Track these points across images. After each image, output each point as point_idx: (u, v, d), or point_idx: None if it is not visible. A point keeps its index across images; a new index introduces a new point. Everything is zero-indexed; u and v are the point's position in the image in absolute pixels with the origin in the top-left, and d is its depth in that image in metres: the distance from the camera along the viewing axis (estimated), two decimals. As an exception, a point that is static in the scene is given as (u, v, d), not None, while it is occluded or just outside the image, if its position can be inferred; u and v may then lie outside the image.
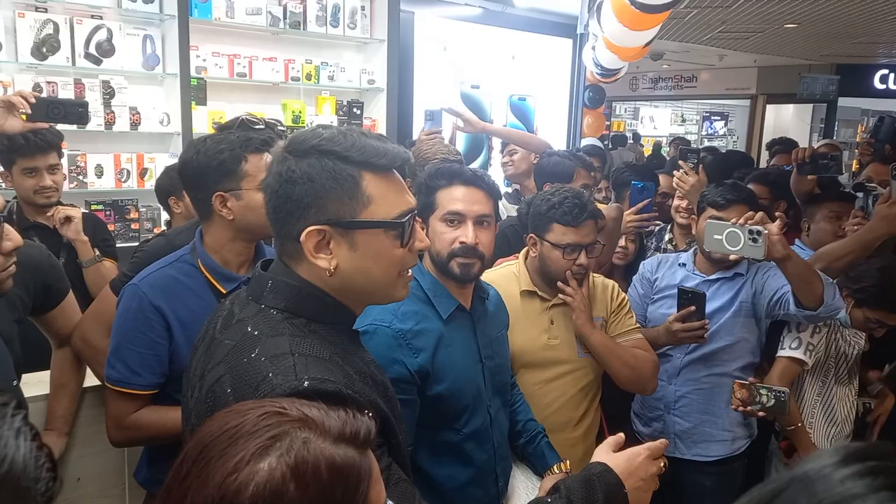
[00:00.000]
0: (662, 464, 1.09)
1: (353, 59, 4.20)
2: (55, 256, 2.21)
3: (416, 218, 1.08)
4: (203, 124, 3.52)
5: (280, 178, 0.96)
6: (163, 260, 1.61)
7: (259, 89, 3.89)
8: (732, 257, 2.01)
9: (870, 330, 2.20)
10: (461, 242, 1.53)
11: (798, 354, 2.16)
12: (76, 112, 2.04)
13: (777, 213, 1.96)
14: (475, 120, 2.99)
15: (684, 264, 2.30)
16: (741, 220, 1.89)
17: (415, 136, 4.10)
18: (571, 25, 5.23)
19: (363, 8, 4.06)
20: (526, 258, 1.99)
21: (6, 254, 1.20)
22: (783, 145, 4.21)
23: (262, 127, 1.79)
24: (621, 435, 1.15)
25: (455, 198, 1.56)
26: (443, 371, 1.49)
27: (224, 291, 1.57)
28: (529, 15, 4.95)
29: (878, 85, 9.67)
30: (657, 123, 12.96)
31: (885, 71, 9.59)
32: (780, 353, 2.19)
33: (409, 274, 1.06)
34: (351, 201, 0.96)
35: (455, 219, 1.56)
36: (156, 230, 3.40)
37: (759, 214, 1.90)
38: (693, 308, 2.05)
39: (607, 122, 8.95)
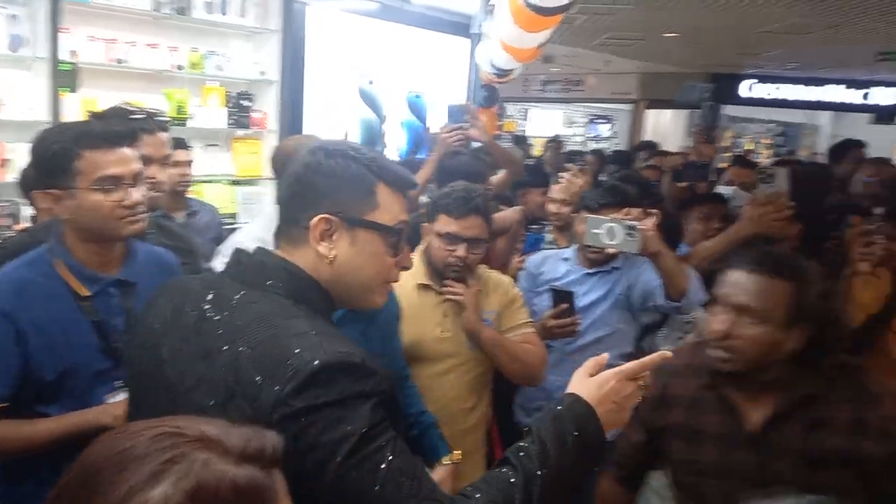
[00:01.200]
0: (642, 381, 1.10)
1: (243, 49, 4.04)
2: None
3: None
4: (75, 112, 3.25)
5: (307, 168, 1.07)
6: (17, 260, 1.46)
7: (139, 77, 3.66)
8: (610, 251, 2.13)
9: None
10: None
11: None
12: None
13: (651, 211, 2.08)
14: (485, 129, 2.93)
15: (567, 259, 2.40)
16: (619, 216, 1.99)
17: (305, 131, 4.01)
18: (467, 25, 5.28)
19: (254, -4, 3.91)
20: (422, 253, 1.99)
21: None
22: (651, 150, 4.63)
23: (141, 116, 1.67)
24: (605, 355, 1.15)
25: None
26: None
27: (86, 293, 1.45)
28: (426, 12, 4.95)
29: (744, 93, 10.46)
30: (546, 125, 13.38)
31: (753, 80, 10.39)
32: None
33: (390, 285, 1.14)
34: (362, 202, 1.07)
35: None
36: (16, 227, 3.10)
37: (637, 211, 2.02)
38: (565, 305, 2.14)
39: (500, 122, 9.14)
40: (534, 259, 2.50)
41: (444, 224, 1.87)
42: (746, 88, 10.45)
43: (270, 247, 1.11)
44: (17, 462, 1.46)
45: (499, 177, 3.11)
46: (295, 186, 1.08)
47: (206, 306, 1.03)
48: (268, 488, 0.60)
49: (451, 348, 1.93)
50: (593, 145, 12.34)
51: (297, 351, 0.91)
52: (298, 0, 4.10)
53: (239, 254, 1.09)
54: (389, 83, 4.72)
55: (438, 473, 1.70)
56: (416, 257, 1.99)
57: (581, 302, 2.25)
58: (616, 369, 1.11)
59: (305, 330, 0.95)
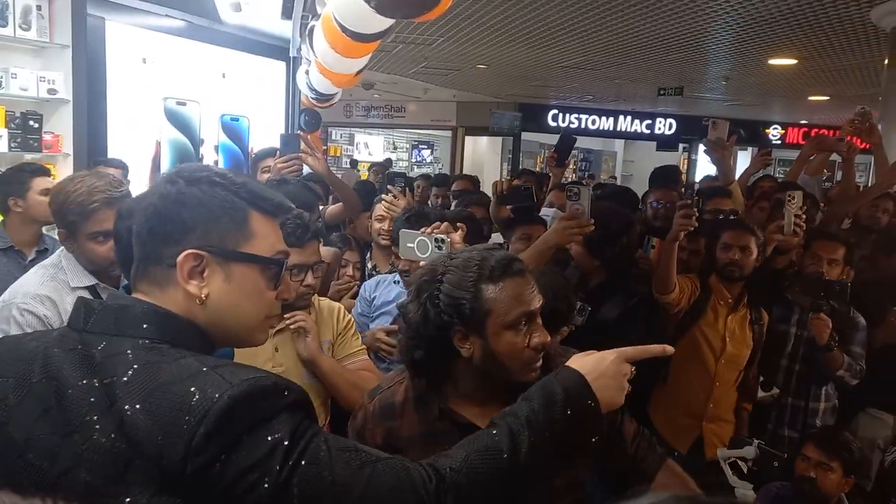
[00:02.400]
0: (632, 369, 1.08)
1: (29, 64, 3.62)
2: None
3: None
4: None
5: (167, 200, 0.95)
6: None
7: None
8: (422, 264, 2.19)
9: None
10: None
11: None
12: None
13: (458, 225, 2.22)
14: (322, 160, 2.90)
15: (398, 282, 2.44)
16: (429, 230, 2.07)
17: (110, 154, 3.69)
18: (284, 48, 5.19)
19: (39, 8, 3.53)
20: None
21: None
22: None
23: None
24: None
25: None
26: None
27: None
28: (239, 34, 4.79)
29: (551, 122, 11.36)
30: (372, 150, 13.51)
31: (556, 111, 11.32)
32: None
33: (273, 323, 1.06)
34: (236, 232, 0.96)
35: None
36: None
37: (444, 225, 2.11)
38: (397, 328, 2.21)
39: (324, 147, 9.07)
40: (368, 284, 2.53)
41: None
42: (551, 118, 11.36)
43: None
44: None
45: (333, 208, 3.08)
46: (153, 221, 0.95)
47: (65, 371, 0.87)
48: None
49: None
50: (417, 170, 12.66)
51: (197, 394, 0.82)
52: (93, 14, 3.78)
53: (85, 304, 0.95)
54: (204, 105, 4.49)
55: None
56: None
57: None
58: (617, 350, 1.09)
59: (198, 369, 0.86)
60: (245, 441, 0.82)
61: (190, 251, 0.93)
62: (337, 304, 2.09)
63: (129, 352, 0.88)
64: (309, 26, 3.71)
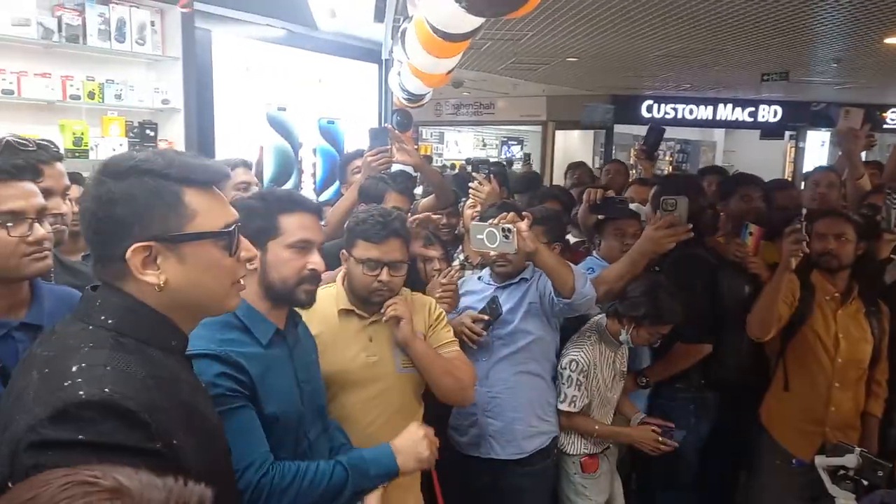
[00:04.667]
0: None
1: (145, 78, 3.89)
2: None
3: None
4: (-41, 147, 3.03)
5: (99, 201, 0.96)
6: None
7: (31, 108, 3.46)
8: (492, 254, 2.25)
9: (651, 343, 2.49)
10: (311, 269, 1.51)
11: (563, 407, 2.42)
12: None
13: (524, 214, 2.22)
14: (414, 152, 2.93)
15: (481, 278, 2.48)
16: (496, 220, 2.08)
17: (218, 157, 3.89)
18: (377, 51, 5.31)
19: (153, 23, 3.78)
20: (344, 279, 1.97)
21: None
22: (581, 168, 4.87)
23: (32, 149, 1.58)
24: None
25: (304, 225, 1.52)
26: (266, 395, 1.44)
27: None
28: (334, 39, 4.95)
29: (645, 113, 11.01)
30: (461, 147, 13.59)
31: (651, 101, 10.96)
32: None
33: (242, 284, 1.06)
34: (175, 216, 0.97)
35: (305, 246, 1.52)
36: None
37: (511, 215, 2.13)
38: (487, 318, 2.28)
39: (416, 146, 9.20)
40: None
41: (364, 250, 1.86)
42: (645, 109, 11.00)
43: None
44: None
45: (427, 200, 3.12)
46: (94, 224, 0.97)
47: (39, 343, 0.99)
48: None
49: (380, 373, 1.91)
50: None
51: (75, 381, 0.86)
52: (201, 27, 4.01)
53: (85, 291, 1.02)
54: (302, 110, 4.67)
55: (372, 498, 1.68)
56: (337, 283, 1.97)
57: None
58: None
59: (99, 362, 0.89)
60: (75, 453, 0.80)
61: (136, 245, 0.95)
62: (429, 298, 2.12)
63: (72, 333, 0.95)
64: (401, 28, 3.78)
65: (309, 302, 1.55)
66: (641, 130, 12.17)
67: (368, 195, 2.55)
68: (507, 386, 2.34)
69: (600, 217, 2.95)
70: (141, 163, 0.97)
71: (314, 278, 1.54)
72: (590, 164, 11.99)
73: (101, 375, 0.87)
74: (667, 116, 11.06)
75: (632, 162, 8.39)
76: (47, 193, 1.57)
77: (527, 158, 7.29)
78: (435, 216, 2.54)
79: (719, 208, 3.24)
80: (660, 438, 2.45)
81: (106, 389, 0.85)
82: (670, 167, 13.35)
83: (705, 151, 15.27)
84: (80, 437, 0.81)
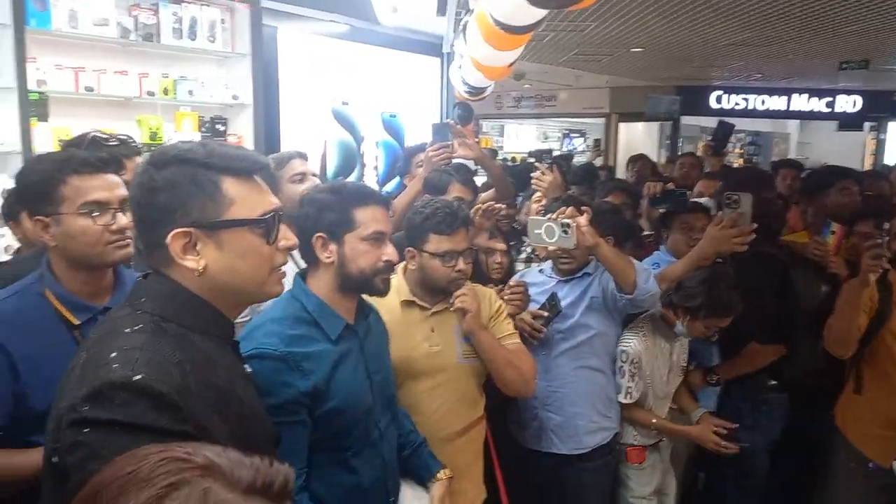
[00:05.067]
0: None
1: (215, 74, 4.03)
2: None
3: (321, 235, 1.24)
4: (47, 142, 3.21)
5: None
6: (6, 290, 1.45)
7: (110, 104, 3.62)
8: (551, 248, 2.24)
9: (707, 336, 2.41)
10: (386, 260, 1.56)
11: (621, 398, 2.39)
12: None
13: (583, 208, 2.20)
14: (476, 146, 2.95)
15: (542, 270, 2.46)
16: (554, 216, 2.07)
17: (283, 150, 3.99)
18: (438, 44, 5.33)
19: (223, 21, 3.90)
20: (405, 271, 1.99)
21: None
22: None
23: (114, 143, 1.67)
24: None
25: (377, 218, 1.56)
26: (334, 390, 1.47)
27: (76, 322, 1.43)
28: (396, 33, 4.99)
29: (713, 104, 10.67)
30: (522, 140, 13.50)
31: (720, 92, 10.61)
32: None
33: (282, 272, 1.09)
34: (213, 203, 1.00)
35: (379, 238, 1.56)
36: (-8, 260, 3.05)
37: (570, 209, 2.11)
38: (546, 314, 2.27)
39: (476, 139, 9.19)
40: (515, 278, 2.56)
41: (438, 243, 1.89)
42: (714, 100, 10.66)
43: None
44: (11, 494, 1.44)
45: (487, 194, 3.12)
46: (138, 211, 1.03)
47: (96, 326, 1.05)
48: None
49: (442, 362, 1.94)
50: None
51: (111, 363, 0.89)
52: (268, 24, 4.11)
53: (137, 279, 1.07)
54: (364, 104, 4.74)
55: (437, 489, 1.71)
56: (398, 275, 2.00)
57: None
58: None
59: (136, 346, 0.92)
60: (111, 434, 0.84)
61: (176, 231, 0.99)
62: (489, 290, 2.14)
63: (120, 317, 0.99)
64: (463, 22, 3.78)
65: (385, 290, 1.60)
66: (709, 122, 11.81)
67: (433, 186, 2.59)
68: (567, 380, 2.33)
69: (665, 211, 2.88)
70: (183, 152, 1.01)
71: (389, 268, 1.59)
72: (655, 157, 11.73)
73: (135, 358, 0.90)
74: (737, 107, 10.69)
75: (698, 154, 8.15)
76: (129, 186, 1.65)
77: (597, 144, 6.98)
78: (497, 205, 2.54)
79: (798, 203, 3.12)
80: (721, 442, 2.38)
81: (140, 372, 0.88)
82: (741, 160, 12.90)
83: (778, 144, 14.67)
84: (114, 417, 0.85)
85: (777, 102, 10.77)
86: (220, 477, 0.58)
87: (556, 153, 12.62)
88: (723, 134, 4.34)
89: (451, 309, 1.93)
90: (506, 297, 2.23)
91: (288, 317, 1.49)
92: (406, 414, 1.84)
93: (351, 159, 4.57)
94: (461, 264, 1.91)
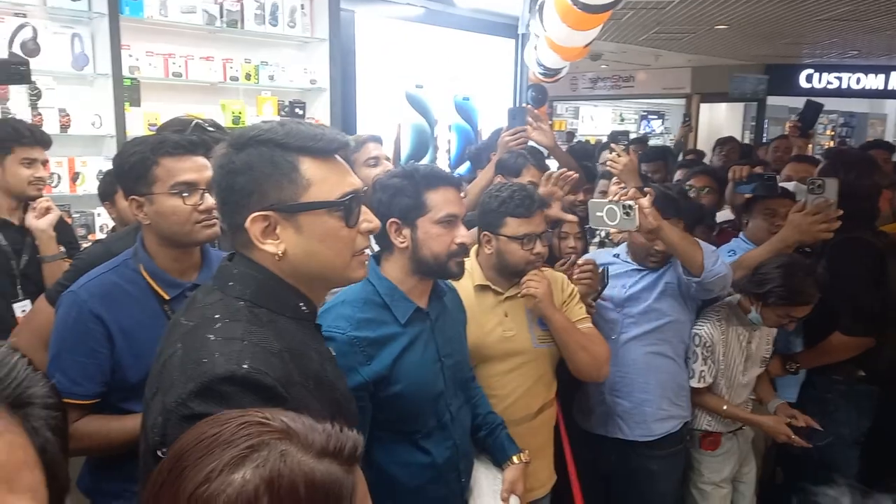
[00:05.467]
0: None
1: (294, 59, 4.13)
2: (18, 254, 2.26)
3: (395, 220, 1.24)
4: (138, 126, 3.39)
5: (223, 171, 0.99)
6: (103, 266, 1.54)
7: (196, 89, 3.78)
8: (612, 231, 2.15)
9: (782, 325, 2.31)
10: (459, 243, 1.56)
11: (693, 383, 2.33)
12: (18, 72, 1.98)
13: (646, 190, 2.13)
14: (549, 133, 2.97)
15: (617, 255, 2.41)
16: (616, 197, 2.03)
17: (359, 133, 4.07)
18: (513, 26, 5.27)
19: (303, 7, 3.99)
20: (478, 255, 2.00)
21: None
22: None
23: (212, 130, 1.75)
24: None
25: (449, 200, 1.56)
26: (400, 374, 1.49)
27: (167, 297, 1.51)
28: (471, 15, 4.97)
29: (804, 84, 10.11)
30: (597, 122, 13.21)
31: (811, 70, 10.04)
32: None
33: (365, 254, 1.07)
34: (291, 185, 0.97)
35: (452, 220, 1.56)
36: (90, 237, 3.25)
37: (632, 190, 2.07)
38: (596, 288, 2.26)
39: (550, 122, 9.07)
40: (586, 258, 2.51)
41: (517, 226, 1.89)
42: (804, 79, 10.09)
43: None
44: (104, 457, 1.54)
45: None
46: (218, 193, 1.01)
47: (184, 310, 1.06)
48: (344, 485, 0.62)
49: (516, 347, 1.94)
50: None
51: (215, 356, 0.90)
52: (346, 8, 4.17)
53: (222, 261, 1.07)
54: (438, 87, 4.75)
55: (511, 472, 1.72)
56: (471, 259, 2.00)
57: (628, 292, 2.29)
58: None
59: (237, 336, 0.92)
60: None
61: (255, 214, 0.97)
62: (560, 274, 2.12)
63: (210, 304, 1.00)
64: (539, 2, 3.73)
65: (460, 273, 1.60)
66: (798, 102, 11.21)
67: (507, 168, 2.58)
68: (637, 367, 2.29)
69: (749, 196, 2.76)
70: (262, 133, 0.99)
71: (463, 251, 1.58)
72: (739, 139, 11.25)
73: (238, 350, 0.90)
74: (829, 86, 10.08)
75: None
76: None
77: (686, 120, 6.61)
78: (569, 172, 2.50)
79: (890, 187, 2.93)
80: (792, 436, 2.29)
81: (244, 365, 0.89)
82: (831, 142, 12.21)
83: (874, 125, 13.77)
84: (223, 411, 0.87)
85: (874, 81, 10.09)
86: (296, 440, 0.61)
87: (632, 136, 12.32)
88: (811, 114, 4.11)
89: (520, 295, 1.93)
90: (575, 277, 2.20)
91: (359, 299, 1.50)
92: (484, 395, 1.85)
93: (424, 142, 4.60)
94: (538, 247, 1.91)
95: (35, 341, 1.65)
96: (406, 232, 1.54)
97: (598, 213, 2.06)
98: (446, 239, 1.55)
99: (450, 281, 1.75)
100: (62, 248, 2.39)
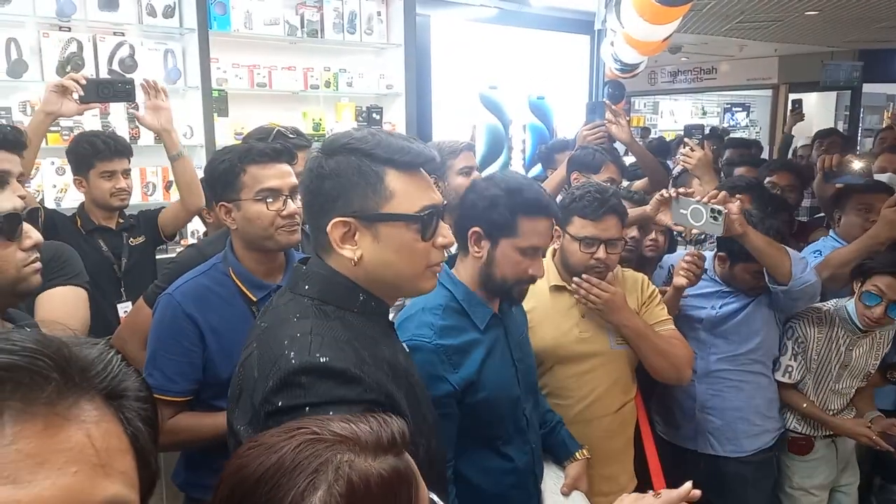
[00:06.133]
0: None
1: (371, 65, 4.21)
2: (118, 258, 2.39)
3: (478, 229, 1.29)
4: (226, 135, 3.55)
5: (311, 175, 1.04)
6: (196, 269, 1.63)
7: (279, 99, 3.92)
8: (694, 231, 2.14)
9: (869, 311, 2.11)
10: (531, 274, 1.52)
11: (777, 377, 2.26)
12: (124, 90, 2.13)
13: (738, 197, 2.10)
14: (627, 129, 2.94)
15: (706, 271, 2.27)
16: (705, 199, 1.97)
17: (435, 139, 4.11)
18: (588, 22, 5.19)
19: (379, 13, 4.07)
20: (553, 254, 1.99)
21: (26, 249, 1.23)
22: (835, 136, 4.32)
23: (293, 137, 1.82)
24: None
25: (539, 232, 1.51)
26: (485, 380, 1.48)
27: (255, 299, 1.58)
28: (545, 13, 4.92)
29: (903, 69, 9.46)
30: (677, 117, 12.81)
31: (911, 54, 9.38)
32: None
33: (438, 267, 1.09)
34: (374, 195, 1.01)
35: (535, 252, 1.52)
36: (182, 242, 3.43)
37: (722, 194, 1.99)
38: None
39: (627, 118, 8.87)
40: (670, 260, 2.47)
41: (581, 227, 1.85)
42: (905, 63, 9.44)
43: None
44: (195, 451, 1.63)
45: (639, 183, 3.03)
46: (306, 197, 1.07)
47: (262, 314, 1.12)
48: (406, 472, 0.65)
49: (593, 348, 1.92)
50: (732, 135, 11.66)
51: (287, 351, 0.94)
52: (421, 13, 4.22)
53: (296, 265, 1.12)
54: (512, 87, 4.74)
55: (573, 468, 1.71)
56: (548, 258, 1.99)
57: (718, 313, 2.22)
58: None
59: (306, 331, 0.96)
60: (307, 414, 0.86)
61: (336, 219, 1.01)
62: (641, 275, 2.08)
63: (284, 304, 1.04)
64: (615, -4, 3.66)
65: (519, 300, 1.56)
66: (894, 90, 10.52)
67: (584, 164, 2.55)
68: (728, 384, 2.22)
69: (841, 188, 2.62)
70: (353, 141, 1.03)
71: (531, 280, 1.53)
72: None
73: (308, 343, 0.95)
74: (933, 71, 9.39)
75: (885, 125, 7.26)
76: (300, 176, 1.79)
77: (795, 107, 6.13)
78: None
79: None
80: (873, 436, 2.17)
81: (317, 355, 0.93)
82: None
83: None
84: (306, 401, 0.90)
85: None
86: (352, 446, 0.63)
87: (710, 128, 11.90)
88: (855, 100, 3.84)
89: (580, 303, 1.88)
90: (683, 266, 2.13)
91: (438, 306, 1.48)
92: (541, 393, 1.83)
93: (499, 144, 4.60)
94: (601, 253, 1.83)
95: (135, 341, 1.77)
96: (485, 244, 1.51)
97: (683, 211, 2.00)
98: (522, 267, 1.50)
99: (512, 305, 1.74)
100: (182, 148, 2.44)
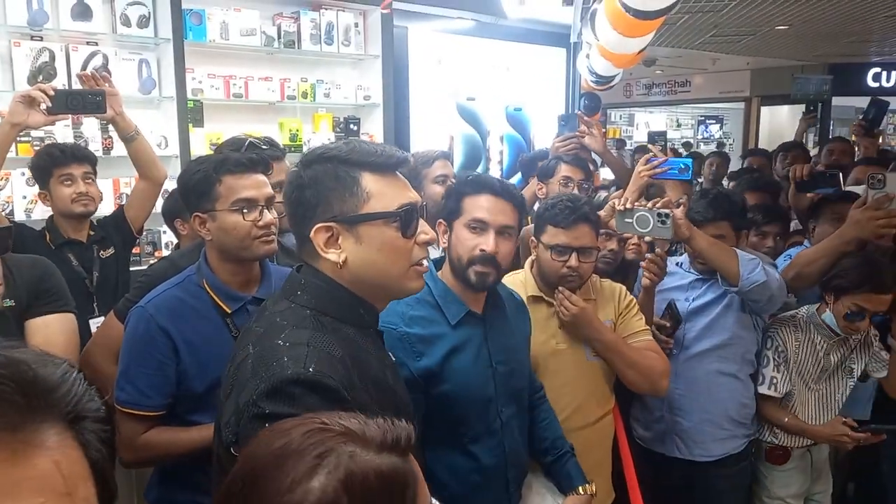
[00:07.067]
0: None
1: (349, 76, 4.21)
2: (90, 272, 2.33)
3: (441, 221, 1.31)
4: (201, 146, 3.51)
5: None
6: (169, 282, 1.60)
7: (255, 109, 3.90)
8: (646, 238, 2.19)
9: (854, 326, 2.15)
10: (481, 250, 1.53)
11: (763, 390, 2.26)
12: (94, 102, 2.10)
13: (681, 200, 2.16)
14: (600, 139, 2.97)
15: (680, 264, 2.34)
16: (650, 205, 2.01)
17: (412, 150, 4.11)
18: (564, 35, 5.24)
19: (357, 25, 4.07)
20: (531, 266, 1.99)
21: None
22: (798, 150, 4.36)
23: (266, 147, 1.81)
24: None
25: (480, 206, 1.56)
26: (449, 374, 1.50)
27: (229, 311, 1.56)
28: (522, 26, 4.96)
29: (871, 83, 9.71)
30: (653, 129, 12.99)
31: (878, 69, 9.63)
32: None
33: (423, 266, 1.12)
34: (352, 198, 1.05)
35: (478, 226, 1.55)
36: (157, 254, 3.38)
37: (666, 199, 2.05)
38: (668, 324, 2.18)
39: (603, 130, 8.96)
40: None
41: (553, 235, 1.86)
42: (871, 78, 9.68)
43: None
44: (169, 467, 1.60)
45: (617, 194, 3.06)
46: (289, 207, 1.11)
47: (255, 318, 1.13)
48: (408, 473, 0.67)
49: (569, 360, 1.92)
50: (704, 147, 11.84)
51: (283, 359, 0.96)
52: (399, 25, 4.23)
53: (291, 272, 1.16)
54: (489, 98, 4.76)
55: (572, 501, 1.68)
56: (525, 269, 2.00)
57: (691, 306, 2.23)
58: None
59: (303, 341, 0.99)
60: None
61: (318, 225, 1.05)
62: (618, 285, 2.09)
63: (280, 311, 1.06)
64: (591, 10, 3.70)
65: (478, 285, 1.55)
66: (864, 103, 10.75)
67: (542, 172, 2.63)
68: (698, 385, 2.22)
69: (814, 199, 2.66)
70: (327, 150, 1.08)
71: (484, 260, 1.53)
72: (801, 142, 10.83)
73: (305, 355, 0.97)
74: (899, 85, 9.64)
75: (853, 140, 7.42)
76: (275, 186, 1.77)
77: (810, 111, 5.96)
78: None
79: None
80: (850, 433, 2.18)
81: (311, 368, 0.95)
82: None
83: (950, 124, 13.07)
84: (291, 410, 0.90)
85: (950, 77, 9.60)
86: (358, 440, 0.66)
87: (717, 144, 12.03)
88: (875, 113, 3.94)
89: (560, 315, 1.90)
90: (644, 265, 2.16)
91: (413, 298, 1.48)
92: (555, 419, 1.80)
93: (476, 154, 4.61)
94: (573, 261, 1.85)
95: (106, 355, 1.73)
96: (447, 234, 1.60)
97: (628, 220, 2.03)
98: (470, 244, 1.54)
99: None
100: (137, 127, 2.35)
